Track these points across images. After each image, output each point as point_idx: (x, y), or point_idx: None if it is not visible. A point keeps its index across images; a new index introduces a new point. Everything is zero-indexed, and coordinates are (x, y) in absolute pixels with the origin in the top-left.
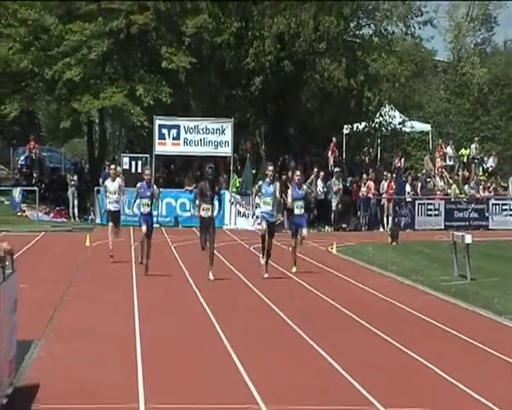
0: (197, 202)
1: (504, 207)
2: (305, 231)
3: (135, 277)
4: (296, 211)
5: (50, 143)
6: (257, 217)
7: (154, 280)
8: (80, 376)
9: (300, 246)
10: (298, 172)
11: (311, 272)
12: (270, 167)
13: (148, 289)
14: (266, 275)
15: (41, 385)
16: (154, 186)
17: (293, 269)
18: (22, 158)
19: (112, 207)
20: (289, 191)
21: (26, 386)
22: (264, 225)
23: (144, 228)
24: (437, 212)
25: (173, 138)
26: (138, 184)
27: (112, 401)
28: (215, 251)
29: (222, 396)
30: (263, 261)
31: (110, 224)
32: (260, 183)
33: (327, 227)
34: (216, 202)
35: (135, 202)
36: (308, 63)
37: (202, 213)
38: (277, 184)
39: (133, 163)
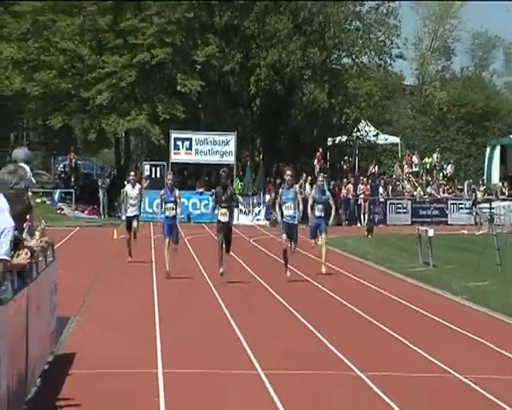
0: (216, 209)
1: (460, 206)
2: (324, 234)
3: (154, 268)
4: (317, 213)
5: (85, 154)
6: (279, 223)
7: (175, 271)
8: (108, 347)
9: (318, 244)
10: (321, 178)
11: (301, 261)
12: (289, 172)
13: (171, 272)
14: (289, 274)
15: (76, 354)
16: (176, 191)
17: (323, 269)
18: (61, 165)
19: (131, 212)
20: (312, 194)
21: (63, 354)
22: (285, 237)
23: (167, 241)
24: (405, 210)
25: (186, 149)
26: (162, 191)
27: (135, 367)
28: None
29: (224, 364)
30: (289, 273)
31: (131, 227)
32: (280, 190)
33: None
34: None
35: (161, 207)
36: (296, 87)
37: (220, 218)
38: (296, 187)
39: (153, 170)
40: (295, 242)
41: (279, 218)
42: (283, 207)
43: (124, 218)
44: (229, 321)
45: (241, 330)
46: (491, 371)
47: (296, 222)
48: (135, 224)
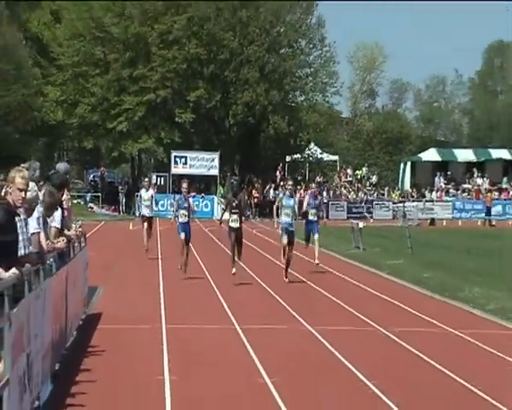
0: (226, 213)
1: (383, 206)
2: (317, 235)
3: (160, 249)
4: (310, 217)
5: (109, 167)
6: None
7: (174, 252)
8: (125, 308)
9: (313, 246)
10: (313, 185)
11: (270, 246)
12: (290, 182)
13: (171, 254)
14: (287, 280)
15: (102, 313)
16: (191, 199)
17: (316, 261)
18: (91, 176)
19: (146, 213)
20: (306, 199)
21: (93, 313)
22: (285, 240)
23: (183, 235)
24: (342, 208)
25: (183, 164)
26: (177, 197)
27: (145, 323)
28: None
29: (211, 320)
30: (285, 278)
31: (145, 225)
32: (281, 195)
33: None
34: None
35: (176, 211)
36: (263, 119)
37: (231, 224)
38: (296, 197)
39: (159, 179)
40: (292, 245)
41: (279, 222)
42: (282, 214)
43: (138, 214)
44: (215, 291)
45: (225, 297)
46: (405, 325)
47: (293, 229)
48: (148, 224)
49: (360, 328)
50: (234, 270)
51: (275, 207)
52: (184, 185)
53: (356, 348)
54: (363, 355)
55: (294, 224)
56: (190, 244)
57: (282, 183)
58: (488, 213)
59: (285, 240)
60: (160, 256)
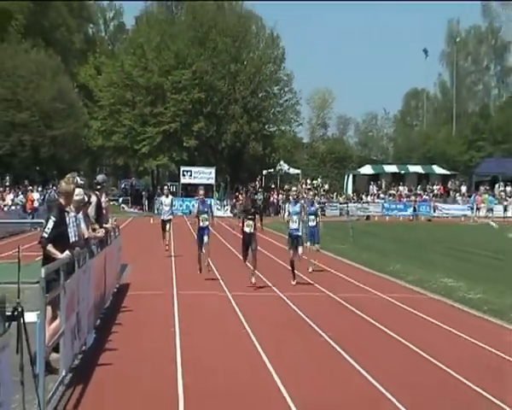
0: (241, 218)
1: (332, 206)
2: (317, 245)
3: (173, 240)
4: (310, 223)
5: (136, 178)
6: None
7: (183, 242)
8: (147, 279)
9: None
10: (311, 193)
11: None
12: (294, 188)
13: (181, 243)
14: (294, 282)
15: (130, 283)
16: (208, 201)
17: (310, 269)
18: (123, 185)
19: (165, 217)
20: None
21: (124, 283)
22: (292, 252)
23: (206, 239)
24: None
25: (189, 176)
26: (196, 204)
27: (159, 289)
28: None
29: (208, 288)
30: (293, 282)
31: (166, 227)
32: (287, 205)
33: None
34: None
35: (197, 217)
36: (246, 144)
37: (246, 229)
38: (302, 202)
39: (172, 187)
40: (300, 250)
41: (288, 229)
42: (290, 221)
43: (159, 217)
44: (211, 267)
45: (219, 271)
46: (349, 292)
47: (300, 233)
48: (168, 226)
49: (316, 293)
50: (253, 279)
51: (285, 217)
52: (201, 192)
53: (314, 308)
54: (321, 313)
55: (302, 227)
56: (209, 248)
57: (260, 189)
58: (414, 211)
59: (292, 252)
60: (172, 245)
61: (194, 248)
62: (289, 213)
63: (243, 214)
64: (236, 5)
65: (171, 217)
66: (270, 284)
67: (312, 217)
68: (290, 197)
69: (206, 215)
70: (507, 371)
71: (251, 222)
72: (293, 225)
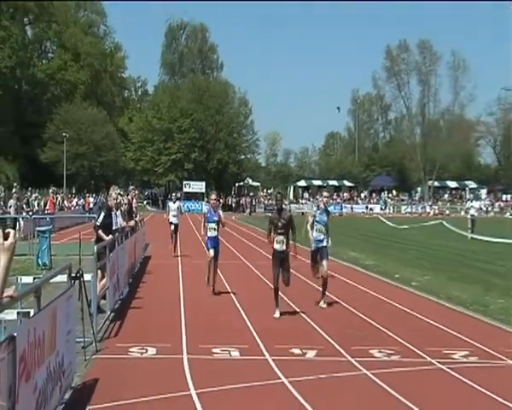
0: (272, 234)
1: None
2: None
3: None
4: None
5: (155, 187)
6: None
7: (185, 229)
8: (162, 253)
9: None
10: (324, 193)
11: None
12: (325, 194)
13: (185, 230)
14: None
15: (151, 256)
16: (220, 211)
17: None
18: (146, 192)
19: (174, 220)
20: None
21: (147, 256)
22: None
23: (212, 252)
24: (261, 207)
25: (188, 187)
26: (205, 210)
27: (170, 259)
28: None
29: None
30: (322, 303)
31: (172, 228)
32: (314, 209)
33: (230, 212)
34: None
35: (204, 226)
36: (226, 166)
37: (276, 246)
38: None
39: (177, 194)
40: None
41: (311, 238)
42: (314, 230)
43: (168, 220)
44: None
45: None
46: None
47: (325, 244)
48: (173, 228)
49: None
50: (277, 313)
51: (308, 226)
52: (213, 196)
53: (263, 269)
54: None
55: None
56: (218, 260)
57: (234, 195)
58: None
59: (313, 261)
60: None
61: (192, 230)
62: (315, 221)
63: (270, 226)
64: (219, 77)
65: (177, 221)
66: (237, 254)
67: (321, 227)
68: (320, 204)
69: (214, 224)
70: (385, 307)
71: (281, 238)
72: (319, 235)
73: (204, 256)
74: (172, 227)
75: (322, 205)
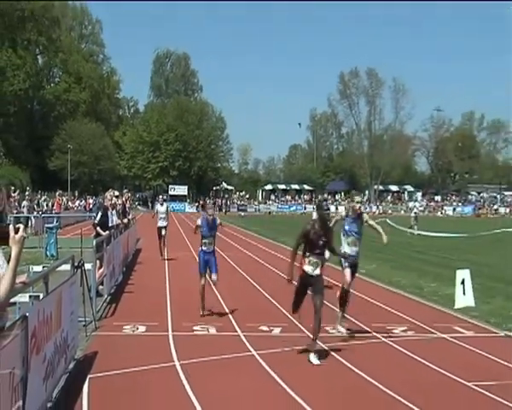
0: (307, 254)
1: (252, 207)
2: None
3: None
4: (347, 249)
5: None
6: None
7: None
8: (150, 246)
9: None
10: (356, 198)
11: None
12: (357, 198)
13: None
14: (344, 330)
15: (142, 249)
16: (217, 219)
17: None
18: (137, 195)
19: (161, 224)
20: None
21: (138, 248)
22: (349, 277)
23: (214, 277)
24: (235, 207)
25: (173, 190)
26: (199, 222)
27: (157, 252)
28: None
29: (186, 249)
30: (342, 328)
31: (161, 234)
32: (343, 214)
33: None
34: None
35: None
36: (205, 173)
37: (308, 269)
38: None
39: (164, 195)
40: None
41: (345, 253)
42: (346, 242)
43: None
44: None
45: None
46: (255, 252)
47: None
48: (163, 232)
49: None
50: (312, 358)
51: (342, 239)
52: (210, 212)
53: (240, 260)
54: (245, 263)
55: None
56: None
57: (212, 197)
58: (294, 209)
59: (348, 276)
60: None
61: (177, 228)
62: (347, 233)
63: (302, 241)
64: (200, 97)
65: (165, 224)
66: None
67: (354, 238)
68: (351, 211)
69: (211, 239)
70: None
71: (315, 260)
72: (352, 248)
73: (189, 249)
74: (163, 232)
75: (351, 212)
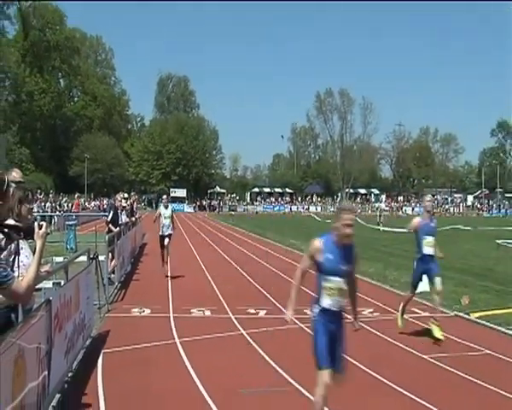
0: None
1: (241, 206)
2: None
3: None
4: (425, 250)
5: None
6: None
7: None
8: (154, 240)
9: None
10: (427, 197)
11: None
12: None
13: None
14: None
15: (147, 243)
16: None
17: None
18: (144, 196)
19: (164, 231)
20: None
21: (144, 243)
22: (427, 287)
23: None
24: (227, 208)
25: (174, 193)
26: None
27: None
28: None
29: (188, 247)
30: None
31: (164, 243)
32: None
33: (208, 211)
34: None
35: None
36: (201, 178)
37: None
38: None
39: (168, 198)
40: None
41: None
42: (424, 246)
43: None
44: (187, 240)
45: (193, 245)
46: (252, 250)
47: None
48: (166, 241)
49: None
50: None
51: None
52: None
53: (231, 253)
54: (235, 252)
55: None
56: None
57: (207, 199)
58: (278, 209)
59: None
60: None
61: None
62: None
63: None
64: (197, 114)
65: (171, 232)
66: (203, 237)
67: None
68: (425, 212)
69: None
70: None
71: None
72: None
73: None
74: (166, 241)
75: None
